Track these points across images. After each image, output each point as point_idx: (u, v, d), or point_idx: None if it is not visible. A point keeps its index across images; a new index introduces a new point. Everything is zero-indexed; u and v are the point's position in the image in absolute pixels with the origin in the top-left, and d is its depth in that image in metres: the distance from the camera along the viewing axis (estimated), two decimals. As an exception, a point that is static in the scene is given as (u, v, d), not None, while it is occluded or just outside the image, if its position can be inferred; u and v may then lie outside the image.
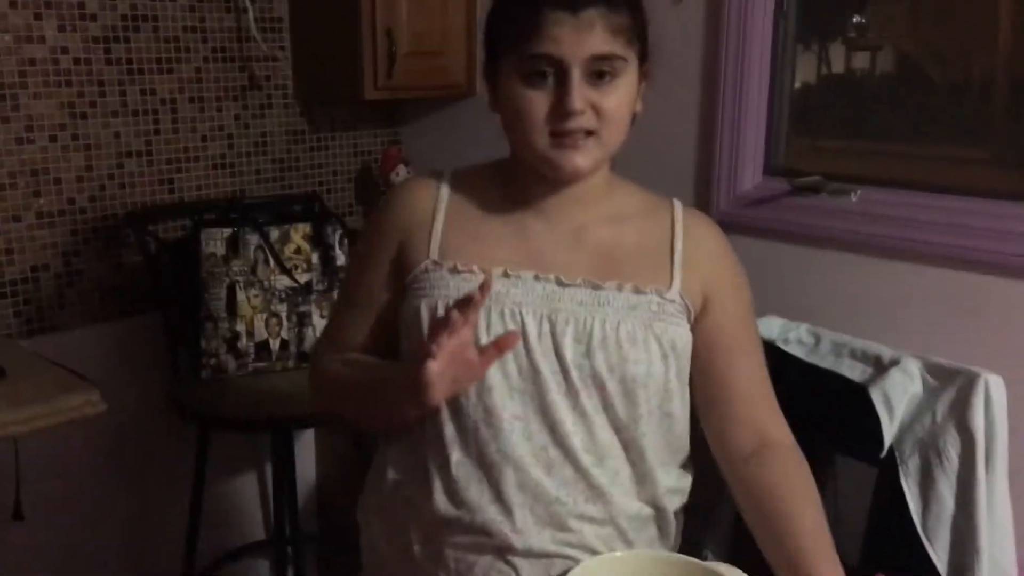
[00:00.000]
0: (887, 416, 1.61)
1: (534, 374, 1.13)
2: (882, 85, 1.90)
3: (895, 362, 1.65)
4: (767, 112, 1.95)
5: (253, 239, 2.24)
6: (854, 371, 1.70)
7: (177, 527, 2.33)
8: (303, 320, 2.29)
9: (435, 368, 1.04)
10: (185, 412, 2.20)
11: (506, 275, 1.16)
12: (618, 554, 1.15)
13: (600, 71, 1.10)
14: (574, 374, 1.13)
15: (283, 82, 2.55)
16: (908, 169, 1.83)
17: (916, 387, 1.62)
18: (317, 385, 1.32)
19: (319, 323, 2.29)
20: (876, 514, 1.67)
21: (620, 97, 1.12)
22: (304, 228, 2.30)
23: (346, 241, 2.34)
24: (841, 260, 1.84)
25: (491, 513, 1.14)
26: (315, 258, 2.31)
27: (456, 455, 1.15)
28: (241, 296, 2.23)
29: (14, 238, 2.17)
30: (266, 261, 2.25)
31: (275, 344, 2.27)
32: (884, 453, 1.62)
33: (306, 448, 2.79)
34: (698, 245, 1.23)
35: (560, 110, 1.10)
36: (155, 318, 2.34)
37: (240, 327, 2.23)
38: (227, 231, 2.22)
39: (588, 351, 1.13)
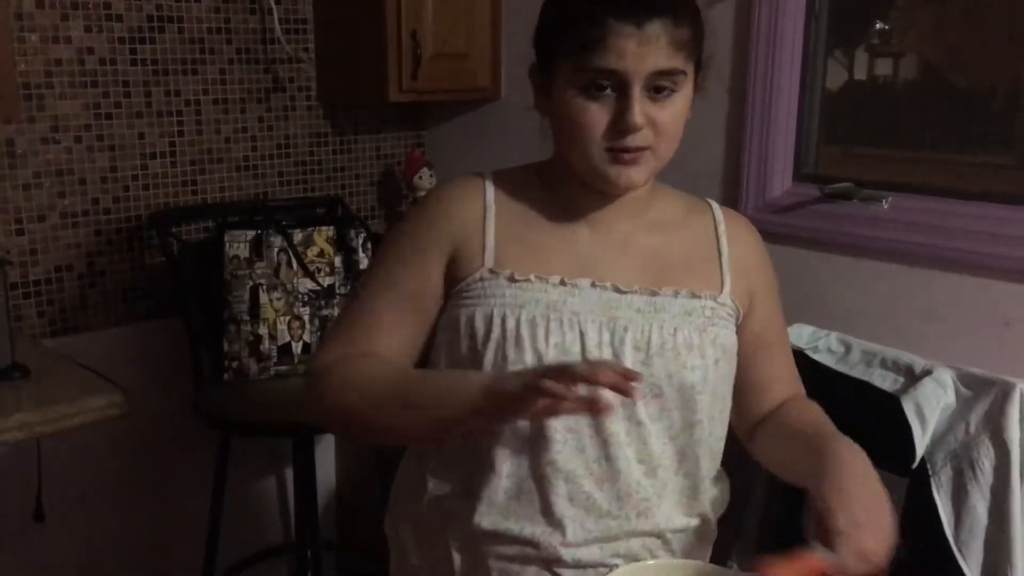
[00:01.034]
0: (919, 427, 1.59)
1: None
2: (906, 92, 1.87)
3: (927, 372, 1.62)
4: (797, 118, 1.92)
5: (276, 241, 2.23)
6: (885, 381, 1.68)
7: (197, 531, 2.33)
8: (325, 323, 2.28)
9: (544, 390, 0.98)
10: (207, 416, 2.20)
11: (563, 283, 1.14)
12: (650, 563, 1.13)
13: (660, 86, 1.08)
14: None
15: (307, 84, 2.54)
16: (939, 175, 1.80)
17: (949, 397, 1.60)
18: (332, 394, 1.17)
19: (341, 326, 2.28)
20: (907, 527, 1.64)
21: (677, 111, 1.10)
22: (327, 231, 2.30)
23: (370, 244, 2.33)
24: (872, 268, 1.82)
25: (540, 526, 1.13)
26: (338, 261, 2.30)
27: (507, 468, 1.13)
28: (264, 299, 2.22)
29: (38, 238, 2.17)
30: (289, 264, 2.25)
31: (297, 347, 2.26)
32: (916, 464, 1.59)
33: (326, 453, 2.78)
34: (742, 247, 1.24)
35: (620, 126, 1.07)
36: (177, 320, 2.34)
37: (263, 330, 2.22)
38: (250, 233, 2.22)
39: (647, 358, 1.12)
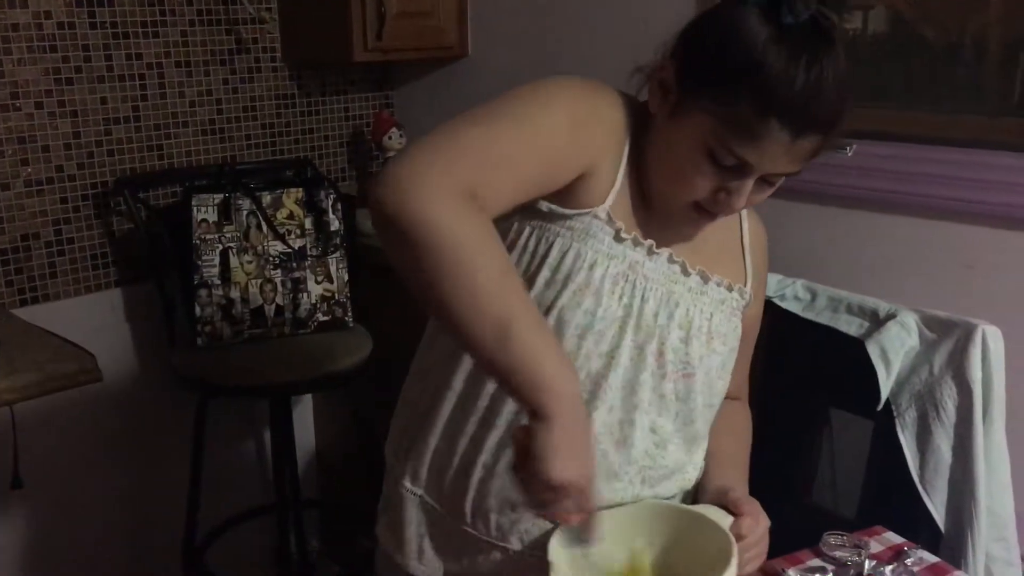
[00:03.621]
0: (884, 369, 1.60)
1: (636, 351, 1.13)
2: (875, 44, 1.87)
3: (892, 315, 1.64)
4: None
5: (245, 204, 2.22)
6: (851, 326, 1.69)
7: (178, 494, 2.34)
8: (298, 286, 2.28)
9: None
10: (182, 380, 2.20)
11: (650, 252, 1.14)
12: (624, 506, 1.15)
13: (774, 182, 1.08)
14: (669, 357, 1.14)
15: (271, 45, 2.51)
16: (902, 121, 1.81)
17: (913, 340, 1.61)
18: (449, 221, 0.92)
19: (314, 288, 2.28)
20: (873, 468, 1.67)
21: (772, 190, 1.10)
22: (296, 193, 2.28)
23: (340, 206, 2.32)
24: (836, 215, 1.83)
25: None
26: (308, 223, 2.29)
27: None
28: (234, 262, 2.21)
29: (3, 207, 2.15)
30: (259, 227, 2.24)
31: (270, 310, 2.26)
32: (881, 406, 1.61)
33: (304, 413, 2.79)
34: (758, 245, 1.29)
35: (721, 200, 1.07)
36: (148, 286, 2.33)
37: (234, 294, 2.22)
38: (218, 197, 2.20)
39: (687, 337, 1.15)
